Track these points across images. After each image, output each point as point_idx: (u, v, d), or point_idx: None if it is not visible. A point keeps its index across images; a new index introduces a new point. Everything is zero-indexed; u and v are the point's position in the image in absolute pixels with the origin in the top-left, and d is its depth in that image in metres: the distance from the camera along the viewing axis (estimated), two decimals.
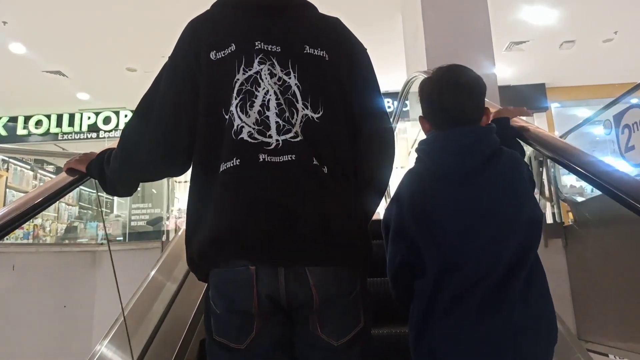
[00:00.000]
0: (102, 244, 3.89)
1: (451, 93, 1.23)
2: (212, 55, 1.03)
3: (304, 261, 0.93)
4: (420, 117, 1.30)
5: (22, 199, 1.27)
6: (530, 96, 7.86)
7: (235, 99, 1.00)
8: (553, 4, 5.73)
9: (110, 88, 7.67)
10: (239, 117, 0.98)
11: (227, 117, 1.00)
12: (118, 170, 1.12)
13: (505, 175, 1.17)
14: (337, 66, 1.09)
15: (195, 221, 1.00)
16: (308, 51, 1.06)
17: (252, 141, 0.97)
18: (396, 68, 6.18)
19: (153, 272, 2.22)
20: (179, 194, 9.33)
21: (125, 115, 8.49)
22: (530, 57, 6.96)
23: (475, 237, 1.11)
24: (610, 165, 1.32)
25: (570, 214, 3.84)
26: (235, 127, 0.98)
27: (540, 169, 3.82)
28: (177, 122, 1.04)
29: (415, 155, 1.28)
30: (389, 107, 8.09)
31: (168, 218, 4.33)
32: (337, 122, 1.05)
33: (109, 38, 6.10)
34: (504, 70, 7.15)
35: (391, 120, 4.27)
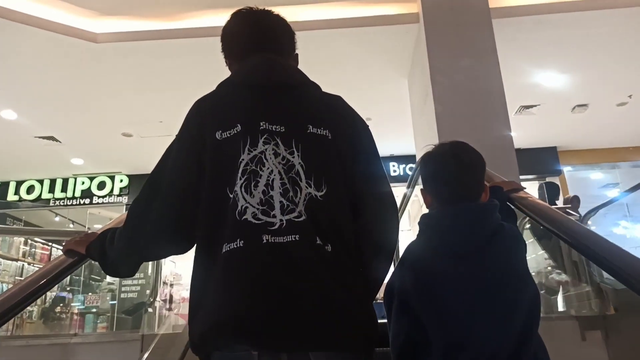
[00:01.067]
0: (75, 334, 3.43)
1: (453, 169, 1.25)
2: (218, 135, 1.04)
3: (307, 346, 0.91)
4: (421, 190, 1.32)
5: (16, 286, 1.21)
6: (542, 160, 7.57)
7: (240, 179, 1.00)
8: (565, 69, 5.53)
9: (105, 153, 7.42)
10: (243, 198, 0.98)
11: (231, 196, 0.99)
12: (122, 249, 1.10)
13: (508, 252, 1.18)
14: (339, 144, 1.09)
15: (197, 301, 0.98)
16: (311, 131, 1.07)
17: (256, 222, 0.96)
18: (403, 133, 5.95)
19: None
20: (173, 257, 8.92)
21: (121, 180, 8.20)
22: (541, 120, 6.71)
23: (480, 315, 1.10)
24: (605, 239, 1.22)
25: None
26: (239, 207, 0.97)
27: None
28: (183, 201, 1.04)
29: (418, 228, 1.28)
30: (395, 170, 7.81)
31: (152, 300, 3.84)
32: (339, 200, 1.05)
33: (104, 103, 5.90)
34: (513, 134, 6.88)
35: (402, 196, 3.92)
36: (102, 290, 7.88)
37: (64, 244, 1.31)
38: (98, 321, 6.55)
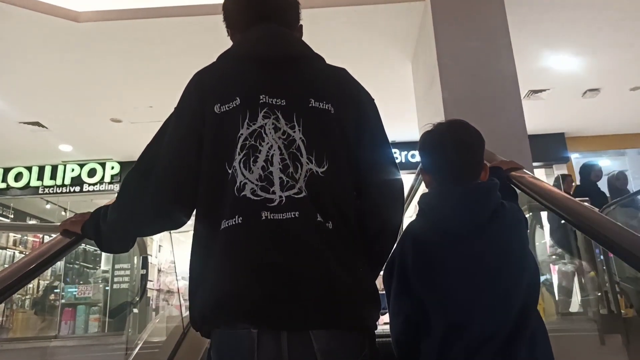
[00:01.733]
0: (55, 337, 3.19)
1: (453, 148, 1.24)
2: (217, 108, 1.02)
3: (308, 325, 0.89)
4: (420, 169, 1.38)
5: (14, 265, 1.20)
6: (549, 147, 7.29)
7: (239, 154, 0.98)
8: (578, 52, 5.22)
9: (94, 139, 7.13)
10: (242, 174, 0.96)
11: (230, 172, 0.97)
12: (115, 222, 1.09)
13: (508, 231, 1.18)
14: (343, 119, 1.07)
15: (197, 279, 0.97)
16: (313, 105, 1.04)
17: (255, 198, 0.94)
18: (406, 118, 5.68)
19: None
20: (163, 242, 8.66)
21: (112, 167, 7.92)
22: (550, 106, 6.42)
23: (481, 294, 1.10)
24: (605, 217, 1.22)
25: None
26: (238, 183, 0.96)
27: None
28: (180, 174, 1.02)
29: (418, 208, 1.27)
30: (397, 157, 7.55)
31: (139, 299, 3.58)
32: (342, 177, 1.03)
33: (91, 88, 5.59)
34: None
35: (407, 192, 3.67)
36: (96, 279, 7.67)
37: (59, 224, 1.30)
38: (90, 313, 6.40)
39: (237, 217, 0.94)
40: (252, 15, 1.16)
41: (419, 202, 1.26)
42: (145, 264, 3.35)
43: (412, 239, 1.21)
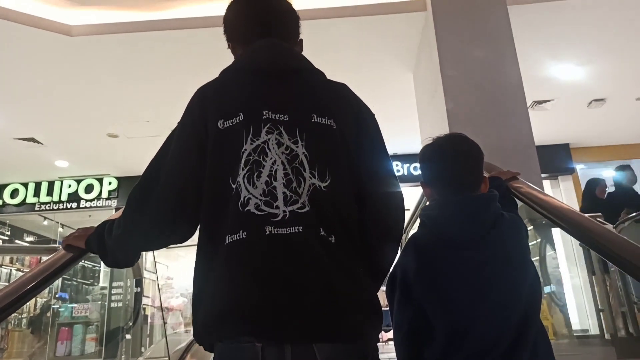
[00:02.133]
0: None
1: (452, 159, 1.28)
2: (220, 124, 1.02)
3: (312, 337, 0.89)
4: (421, 182, 1.35)
5: (16, 281, 1.18)
6: (554, 158, 7.15)
7: (243, 169, 0.98)
8: (583, 61, 5.10)
9: (91, 155, 7.01)
10: (246, 189, 0.97)
11: (234, 187, 0.98)
12: (120, 237, 1.09)
13: (508, 241, 1.20)
14: (344, 134, 1.08)
15: (200, 293, 0.98)
16: (315, 120, 1.05)
17: (259, 213, 0.95)
18: (407, 130, 5.58)
19: None
20: (161, 259, 8.47)
21: (110, 183, 7.80)
22: (554, 116, 6.29)
23: (483, 303, 1.13)
24: (603, 227, 1.24)
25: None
26: (242, 198, 0.96)
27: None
28: (185, 189, 1.02)
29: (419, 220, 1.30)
30: (399, 170, 7.41)
31: (132, 323, 3.42)
32: (344, 191, 1.03)
33: (86, 103, 5.49)
34: None
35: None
36: (94, 296, 7.49)
37: (62, 240, 1.29)
38: (87, 332, 6.22)
39: (241, 232, 0.94)
40: (253, 29, 1.17)
41: (420, 215, 1.29)
42: (139, 285, 3.19)
43: (414, 249, 1.24)
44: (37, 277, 1.22)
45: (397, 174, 6.13)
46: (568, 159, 7.35)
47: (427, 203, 1.34)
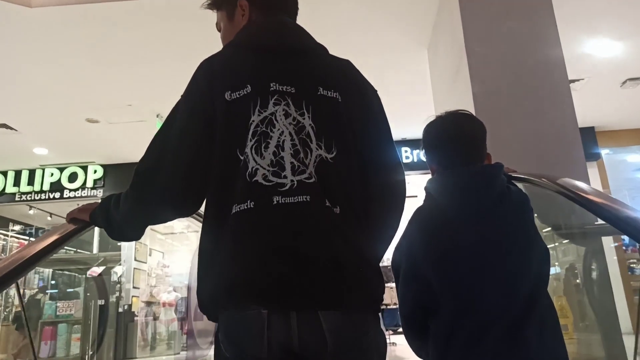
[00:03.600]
0: None
1: (456, 140, 1.27)
2: (227, 95, 1.03)
3: (317, 305, 0.91)
4: (427, 162, 1.35)
5: (21, 250, 1.15)
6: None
7: (251, 140, 0.99)
8: (621, 35, 4.46)
9: (71, 141, 6.45)
10: (254, 159, 0.98)
11: (242, 158, 0.99)
12: (129, 212, 1.08)
13: (516, 213, 1.19)
14: (349, 108, 1.09)
15: (207, 262, 1.00)
16: (322, 93, 1.06)
17: (267, 184, 0.96)
18: (418, 113, 4.98)
19: None
20: (155, 244, 7.94)
21: (95, 171, 7.25)
22: (582, 97, 5.64)
23: (491, 275, 1.12)
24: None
25: None
26: (250, 169, 0.97)
27: None
28: (193, 161, 1.02)
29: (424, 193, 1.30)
30: (408, 157, 6.84)
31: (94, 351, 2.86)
32: (349, 164, 1.04)
33: (59, 85, 4.91)
34: None
35: None
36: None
37: (67, 214, 1.27)
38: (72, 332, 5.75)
39: (249, 201, 0.94)
40: (273, 3, 1.19)
41: (425, 187, 1.27)
42: (104, 310, 2.65)
43: (420, 222, 1.24)
44: (39, 245, 1.16)
45: (405, 160, 5.46)
46: (593, 144, 6.73)
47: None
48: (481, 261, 1.12)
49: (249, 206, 0.94)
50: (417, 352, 1.23)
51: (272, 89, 1.02)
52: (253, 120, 1.00)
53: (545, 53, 3.08)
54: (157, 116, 5.62)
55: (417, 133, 5.51)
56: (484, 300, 1.10)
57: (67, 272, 8.52)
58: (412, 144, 6.77)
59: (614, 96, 5.75)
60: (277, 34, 1.13)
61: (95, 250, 6.66)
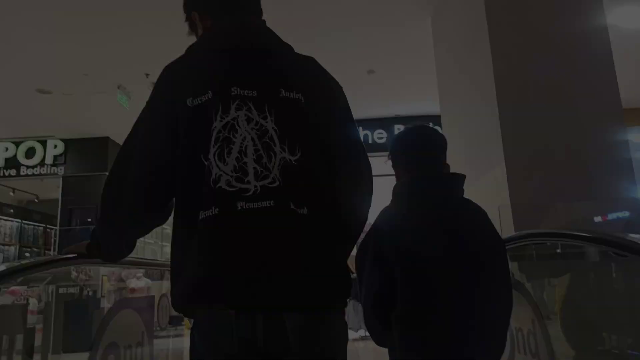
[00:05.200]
0: None
1: (421, 152, 1.34)
2: (189, 102, 1.03)
3: (281, 307, 0.94)
4: (392, 166, 1.42)
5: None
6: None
7: (213, 146, 1.00)
8: None
9: (23, 113, 5.76)
10: (217, 166, 0.98)
11: (206, 164, 0.99)
12: (107, 235, 1.14)
13: (476, 214, 1.30)
14: (313, 108, 1.10)
15: (177, 267, 1.02)
16: (284, 95, 1.07)
17: (230, 189, 0.97)
18: (415, 88, 4.43)
19: None
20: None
21: (55, 146, 6.54)
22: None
23: (451, 276, 1.18)
24: None
25: None
26: (213, 175, 0.98)
27: None
28: (157, 172, 1.04)
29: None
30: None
31: None
32: (315, 164, 1.05)
33: (5, 55, 4.22)
34: None
35: None
36: None
37: (64, 250, 1.36)
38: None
39: (213, 207, 0.95)
40: (227, 3, 1.20)
41: (393, 191, 1.34)
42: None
43: (387, 221, 1.28)
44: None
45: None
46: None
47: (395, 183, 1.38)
48: (442, 260, 1.19)
49: (213, 212, 0.94)
50: (375, 337, 1.30)
51: (233, 93, 1.03)
52: (215, 126, 1.00)
53: (585, 20, 2.49)
54: (119, 87, 4.94)
55: (411, 109, 4.89)
56: (442, 300, 1.17)
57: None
58: (406, 120, 6.28)
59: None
60: (236, 34, 1.13)
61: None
